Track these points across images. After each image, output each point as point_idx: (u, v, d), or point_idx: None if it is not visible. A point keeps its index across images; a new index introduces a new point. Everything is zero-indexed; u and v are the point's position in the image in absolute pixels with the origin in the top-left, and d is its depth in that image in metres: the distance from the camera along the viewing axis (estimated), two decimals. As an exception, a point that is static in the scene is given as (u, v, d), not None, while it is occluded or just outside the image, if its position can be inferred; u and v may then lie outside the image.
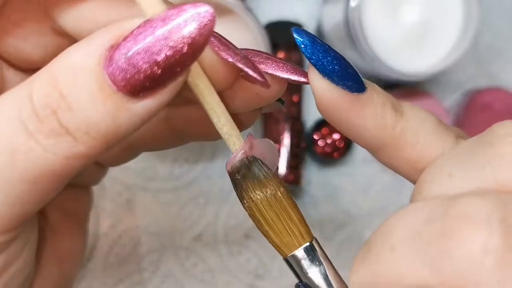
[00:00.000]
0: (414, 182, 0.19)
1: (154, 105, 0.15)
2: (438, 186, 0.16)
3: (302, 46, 0.18)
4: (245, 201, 0.19)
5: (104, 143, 0.16)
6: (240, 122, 0.20)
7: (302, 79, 0.18)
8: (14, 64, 0.20)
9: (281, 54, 0.47)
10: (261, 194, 0.18)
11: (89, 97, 0.15)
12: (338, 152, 0.48)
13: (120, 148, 0.23)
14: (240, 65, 0.17)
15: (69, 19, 0.18)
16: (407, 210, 0.15)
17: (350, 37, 0.43)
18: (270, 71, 0.18)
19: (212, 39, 0.17)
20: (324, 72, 0.18)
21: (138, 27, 0.15)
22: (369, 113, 0.18)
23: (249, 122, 0.21)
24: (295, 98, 0.48)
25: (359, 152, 0.51)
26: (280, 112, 0.47)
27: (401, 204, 0.51)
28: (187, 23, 0.14)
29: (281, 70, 0.18)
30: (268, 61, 0.18)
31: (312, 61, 0.18)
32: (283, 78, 0.18)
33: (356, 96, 0.18)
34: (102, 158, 0.24)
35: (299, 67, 0.19)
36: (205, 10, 0.15)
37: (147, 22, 0.15)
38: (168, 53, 0.14)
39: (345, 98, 0.18)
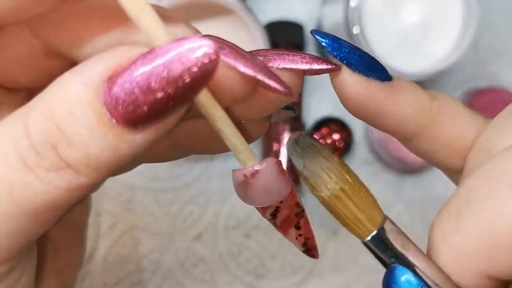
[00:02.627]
0: (450, 168, 0.19)
1: (155, 136, 0.15)
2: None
3: (326, 45, 0.18)
4: (327, 192, 0.18)
5: (105, 173, 0.15)
6: (248, 134, 0.19)
7: (325, 66, 0.18)
8: (3, 84, 0.19)
9: (281, 54, 0.47)
10: (339, 181, 0.18)
11: (88, 130, 0.14)
12: (338, 152, 0.48)
13: None
14: (261, 77, 0.16)
15: (66, 42, 0.17)
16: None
17: (350, 37, 0.43)
18: (288, 66, 0.17)
19: (227, 51, 0.16)
20: (355, 67, 0.18)
21: (139, 58, 0.14)
22: (404, 97, 0.18)
23: (258, 135, 0.20)
24: (295, 98, 0.48)
25: (359, 152, 0.51)
26: (280, 112, 0.47)
27: (401, 204, 0.51)
28: (191, 56, 0.14)
29: (300, 63, 0.17)
30: (285, 56, 0.18)
31: (339, 57, 0.18)
32: (303, 70, 0.17)
33: (388, 84, 0.18)
34: None
35: (317, 56, 0.18)
36: (208, 45, 0.14)
37: (148, 53, 0.14)
38: (169, 87, 0.14)
39: (379, 88, 0.18)
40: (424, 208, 0.51)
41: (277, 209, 0.19)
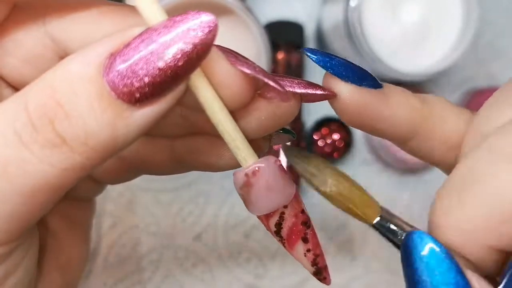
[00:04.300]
0: (449, 164, 0.19)
1: (153, 114, 0.15)
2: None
3: (316, 61, 0.19)
4: (330, 189, 0.21)
5: (101, 154, 0.15)
6: None
7: (320, 92, 0.18)
8: (13, 84, 0.19)
9: (281, 54, 0.47)
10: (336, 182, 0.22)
11: (88, 105, 0.14)
12: (338, 152, 0.48)
13: (121, 169, 0.23)
14: (260, 76, 0.16)
15: (73, 39, 0.18)
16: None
17: (350, 37, 0.43)
18: (287, 88, 0.18)
19: (229, 54, 0.17)
20: (346, 78, 0.18)
21: (140, 34, 0.15)
22: (396, 100, 0.19)
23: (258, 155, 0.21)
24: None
25: (359, 152, 0.51)
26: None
27: (401, 204, 0.51)
28: (189, 31, 0.14)
29: (297, 86, 0.18)
30: (284, 81, 0.18)
31: (331, 71, 0.18)
32: (300, 93, 0.18)
33: (379, 90, 0.19)
34: (101, 177, 0.23)
35: (313, 82, 0.19)
36: (207, 19, 0.15)
37: (149, 30, 0.15)
38: (169, 61, 0.14)
39: (371, 95, 0.18)
40: (424, 208, 0.51)
41: (282, 217, 0.19)
